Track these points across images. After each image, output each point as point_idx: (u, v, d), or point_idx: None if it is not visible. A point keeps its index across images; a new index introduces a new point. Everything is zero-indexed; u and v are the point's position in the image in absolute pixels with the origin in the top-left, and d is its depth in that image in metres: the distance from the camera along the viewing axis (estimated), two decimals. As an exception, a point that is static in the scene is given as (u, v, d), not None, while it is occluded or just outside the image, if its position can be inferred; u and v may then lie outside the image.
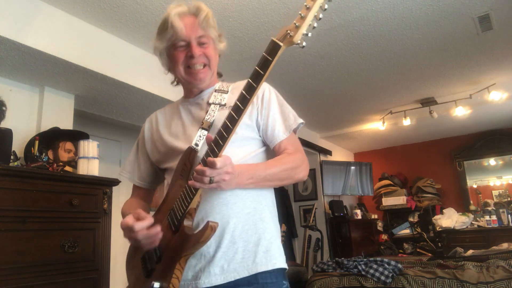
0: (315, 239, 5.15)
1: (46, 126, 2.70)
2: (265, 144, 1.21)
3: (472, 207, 5.74)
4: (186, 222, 1.01)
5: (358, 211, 6.02)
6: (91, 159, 2.52)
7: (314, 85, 3.98)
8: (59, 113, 2.87)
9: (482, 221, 5.25)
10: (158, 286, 0.99)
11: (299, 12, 0.90)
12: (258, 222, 1.10)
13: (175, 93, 3.66)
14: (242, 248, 1.06)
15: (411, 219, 6.06)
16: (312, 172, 5.63)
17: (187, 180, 1.03)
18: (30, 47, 2.28)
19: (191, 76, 1.20)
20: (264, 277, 1.05)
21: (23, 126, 2.66)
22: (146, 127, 1.38)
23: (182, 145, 1.17)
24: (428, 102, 4.68)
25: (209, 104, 1.20)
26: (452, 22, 2.95)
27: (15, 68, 2.53)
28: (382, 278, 2.73)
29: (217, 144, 0.95)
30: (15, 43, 2.23)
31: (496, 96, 4.25)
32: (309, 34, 0.90)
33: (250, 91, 0.93)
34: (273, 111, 1.19)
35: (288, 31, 0.90)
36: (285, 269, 1.12)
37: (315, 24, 0.90)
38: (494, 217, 5.17)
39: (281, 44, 0.91)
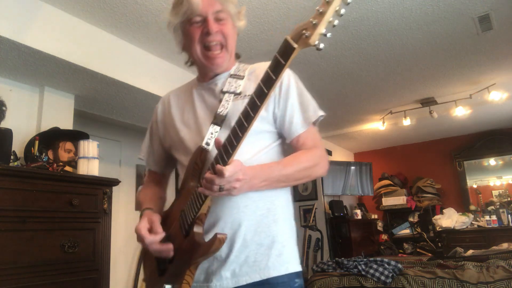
0: (315, 239, 5.15)
1: (46, 126, 2.70)
2: (280, 136, 1.14)
3: (472, 207, 5.74)
4: (196, 229, 0.97)
5: (358, 211, 6.02)
6: (91, 159, 2.52)
7: (314, 85, 3.98)
8: (59, 113, 2.87)
9: (482, 221, 5.25)
10: None
11: (317, 8, 0.76)
12: (272, 224, 1.06)
13: (175, 93, 3.62)
14: (255, 251, 1.02)
15: (411, 219, 6.06)
16: (312, 172, 5.62)
17: (198, 181, 1.00)
18: (30, 47, 2.28)
19: (208, 60, 1.11)
20: (275, 278, 1.02)
21: (23, 126, 2.66)
22: (159, 110, 1.30)
23: (191, 139, 1.12)
24: (428, 102, 4.68)
25: (223, 93, 1.11)
26: (452, 22, 2.95)
27: (15, 68, 2.53)
28: (382, 278, 2.73)
29: (226, 151, 0.89)
30: (15, 43, 2.23)
31: (496, 96, 4.25)
32: (328, 35, 0.76)
33: (261, 97, 0.84)
34: (291, 102, 1.10)
35: (304, 30, 0.76)
36: (298, 272, 1.07)
37: (336, 22, 0.76)
38: (494, 217, 5.17)
39: (295, 46, 0.78)
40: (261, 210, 1.05)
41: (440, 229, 5.41)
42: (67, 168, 2.50)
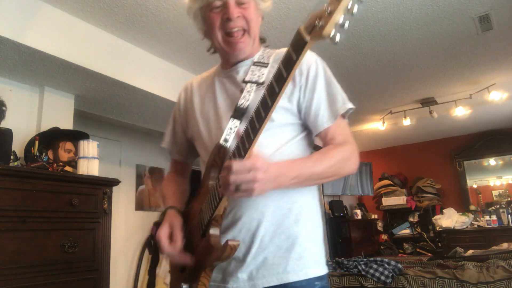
0: (315, 239, 5.14)
1: (46, 126, 2.70)
2: (306, 127, 1.07)
3: (472, 207, 5.74)
4: (213, 231, 0.93)
5: (358, 211, 6.02)
6: (91, 159, 2.52)
7: (314, 85, 3.98)
8: (59, 113, 2.87)
9: (482, 221, 5.25)
10: None
11: None
12: (292, 225, 0.99)
13: (176, 93, 3.66)
14: (273, 254, 0.97)
15: (411, 219, 6.06)
16: (312, 172, 5.63)
17: (216, 179, 0.95)
18: (30, 47, 2.28)
19: (229, 45, 1.05)
20: (294, 283, 0.96)
21: (23, 126, 2.66)
22: (182, 97, 1.25)
23: (210, 133, 1.08)
24: (428, 102, 4.68)
25: (245, 82, 1.04)
26: (452, 22, 2.95)
27: (15, 68, 2.53)
28: (382, 278, 2.73)
29: (243, 145, 0.83)
30: (15, 43, 2.23)
31: (496, 96, 4.25)
32: (346, 25, 0.63)
33: (272, 96, 0.78)
34: (318, 92, 1.02)
35: (317, 20, 0.65)
36: (320, 276, 1.00)
37: (355, 9, 0.63)
38: (494, 217, 5.17)
39: (306, 39, 0.68)
40: (282, 210, 0.99)
41: (440, 229, 5.41)
42: (67, 168, 2.50)
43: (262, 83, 1.02)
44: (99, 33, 2.74)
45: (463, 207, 5.77)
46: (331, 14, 0.63)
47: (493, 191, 5.93)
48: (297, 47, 0.70)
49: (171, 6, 2.52)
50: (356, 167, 1.01)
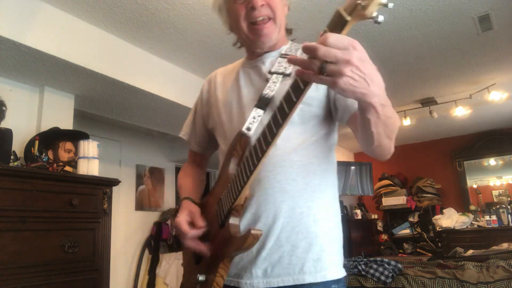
0: (315, 239, 5.15)
1: (46, 126, 2.70)
2: (325, 126, 1.03)
3: (472, 207, 5.74)
4: (232, 220, 0.91)
5: (358, 211, 6.02)
6: (91, 159, 2.52)
7: (314, 85, 3.98)
8: (59, 113, 2.87)
9: (482, 221, 5.25)
10: (204, 279, 0.95)
11: None
12: (311, 224, 0.96)
13: (176, 93, 3.66)
14: (289, 253, 0.94)
15: (411, 219, 6.06)
16: (312, 172, 5.63)
17: (238, 167, 0.92)
18: (30, 47, 2.28)
19: (254, 33, 1.02)
20: (310, 285, 0.93)
21: (23, 126, 2.66)
22: (205, 89, 1.23)
23: (232, 122, 1.06)
24: (428, 102, 4.68)
25: (271, 73, 1.03)
26: (452, 22, 2.95)
27: (15, 68, 2.53)
28: (382, 278, 2.73)
29: (265, 138, 0.79)
30: (15, 43, 2.23)
31: (496, 96, 4.25)
32: (390, 4, 0.61)
33: (297, 91, 0.72)
34: None
35: (359, 0, 0.62)
36: (337, 279, 0.97)
37: None
38: (494, 217, 5.17)
39: (348, 18, 0.63)
40: (301, 208, 0.96)
41: (440, 229, 5.41)
42: (67, 168, 2.50)
43: (289, 75, 1.00)
44: (99, 33, 2.74)
45: (463, 207, 5.77)
46: None
47: (493, 191, 5.93)
48: (336, 27, 0.65)
49: (171, 6, 2.52)
50: (392, 150, 0.94)
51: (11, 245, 1.92)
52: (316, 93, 0.99)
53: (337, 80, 0.63)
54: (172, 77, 3.33)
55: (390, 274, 2.74)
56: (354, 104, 0.92)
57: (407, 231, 6.06)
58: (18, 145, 2.46)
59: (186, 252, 1.14)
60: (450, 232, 5.30)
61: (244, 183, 0.86)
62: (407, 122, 4.88)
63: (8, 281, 1.87)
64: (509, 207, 5.26)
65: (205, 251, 0.95)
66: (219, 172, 1.06)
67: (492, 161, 5.99)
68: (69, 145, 2.61)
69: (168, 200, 5.08)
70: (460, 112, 4.60)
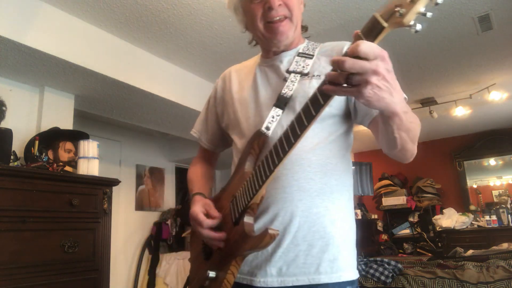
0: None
1: (46, 126, 2.70)
2: (342, 125, 1.03)
3: (472, 207, 5.74)
4: (247, 219, 0.90)
5: (358, 211, 6.02)
6: (91, 159, 2.52)
7: (314, 85, 3.98)
8: (59, 113, 2.87)
9: (482, 221, 5.25)
10: (214, 276, 0.94)
11: None
12: (328, 225, 0.95)
13: (176, 93, 3.66)
14: (305, 252, 0.93)
15: (411, 219, 6.06)
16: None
17: (254, 167, 0.91)
18: (30, 47, 2.29)
19: (271, 31, 1.02)
20: (325, 286, 0.93)
21: (23, 126, 2.66)
22: (219, 85, 1.23)
23: (248, 121, 1.06)
24: (428, 102, 4.67)
25: (288, 72, 1.03)
26: (452, 22, 2.95)
27: (15, 68, 2.53)
28: (382, 278, 2.73)
29: (287, 139, 0.79)
30: (15, 43, 2.23)
31: (496, 96, 4.25)
32: (429, 14, 0.62)
33: (325, 95, 0.73)
34: None
35: (398, 8, 0.63)
36: (352, 280, 0.97)
37: None
38: (494, 217, 5.17)
39: (385, 24, 0.64)
40: (318, 208, 0.95)
41: (440, 229, 5.41)
42: (67, 168, 2.50)
43: (307, 74, 1.01)
44: (99, 33, 2.74)
45: (463, 207, 5.77)
46: (414, 2, 0.62)
47: (493, 191, 5.92)
48: (371, 33, 0.65)
49: (171, 6, 2.52)
50: (415, 152, 0.94)
51: (11, 245, 1.92)
52: None
53: (362, 90, 0.65)
54: (172, 77, 3.33)
55: (390, 274, 2.74)
56: (370, 113, 0.95)
57: (407, 231, 6.05)
58: (18, 145, 2.46)
59: (194, 247, 1.13)
60: (450, 232, 5.30)
61: (262, 182, 0.85)
62: (407, 122, 4.87)
63: (8, 281, 1.87)
64: (509, 207, 5.26)
65: (223, 237, 0.95)
66: (234, 170, 1.06)
67: (492, 161, 5.99)
68: (69, 145, 2.61)
69: (168, 200, 5.08)
70: (460, 112, 4.60)
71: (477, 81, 4.21)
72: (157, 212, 4.82)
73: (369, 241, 5.88)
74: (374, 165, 6.32)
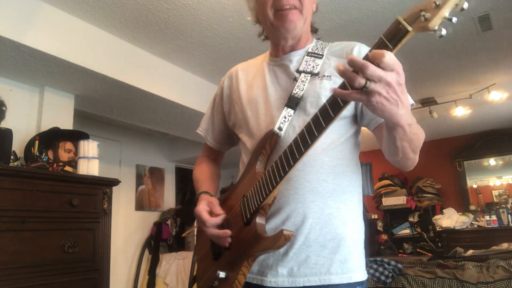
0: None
1: (46, 126, 2.70)
2: (352, 127, 1.04)
3: (472, 207, 5.74)
4: (259, 220, 0.90)
5: (358, 211, 6.01)
6: (91, 159, 2.52)
7: (314, 85, 3.98)
8: (59, 113, 2.87)
9: (482, 221, 5.25)
10: (224, 276, 0.94)
11: None
12: (340, 226, 0.95)
13: (176, 93, 3.66)
14: (316, 253, 0.94)
15: (411, 219, 6.06)
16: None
17: (265, 168, 0.91)
18: (30, 47, 2.29)
19: (279, 19, 1.01)
20: (336, 286, 0.93)
21: (23, 126, 2.66)
22: (225, 84, 1.22)
23: (258, 120, 1.05)
24: (428, 102, 4.67)
25: (298, 72, 1.03)
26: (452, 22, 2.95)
27: (15, 68, 2.53)
28: (382, 278, 2.73)
29: (304, 141, 0.79)
30: (15, 43, 2.23)
31: (496, 96, 4.25)
32: (454, 19, 0.64)
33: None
34: None
35: (423, 12, 0.63)
36: (362, 281, 0.97)
37: (465, 5, 0.63)
38: (494, 217, 5.17)
39: (409, 28, 0.64)
40: (330, 209, 0.95)
41: (440, 229, 5.41)
42: (67, 168, 2.50)
43: (317, 74, 1.01)
44: (99, 33, 2.74)
45: (463, 207, 5.77)
46: (439, 7, 0.63)
47: (493, 191, 5.92)
48: (395, 37, 0.65)
49: (171, 6, 2.52)
50: (416, 161, 0.97)
51: (11, 245, 1.92)
52: None
53: (371, 98, 0.66)
54: (172, 77, 3.33)
55: (390, 274, 2.74)
56: (376, 119, 0.98)
57: (407, 231, 6.05)
58: (18, 145, 2.46)
59: (201, 246, 1.13)
60: (450, 232, 5.30)
61: (276, 183, 0.85)
62: (407, 122, 4.87)
63: (8, 281, 1.87)
64: (509, 207, 5.26)
65: (228, 236, 0.95)
66: (244, 170, 1.05)
67: (492, 161, 5.99)
68: (69, 145, 2.61)
69: (168, 200, 5.08)
70: (460, 112, 4.60)
71: (477, 81, 4.21)
72: (157, 212, 4.82)
73: (369, 241, 5.88)
74: (374, 165, 6.31)
